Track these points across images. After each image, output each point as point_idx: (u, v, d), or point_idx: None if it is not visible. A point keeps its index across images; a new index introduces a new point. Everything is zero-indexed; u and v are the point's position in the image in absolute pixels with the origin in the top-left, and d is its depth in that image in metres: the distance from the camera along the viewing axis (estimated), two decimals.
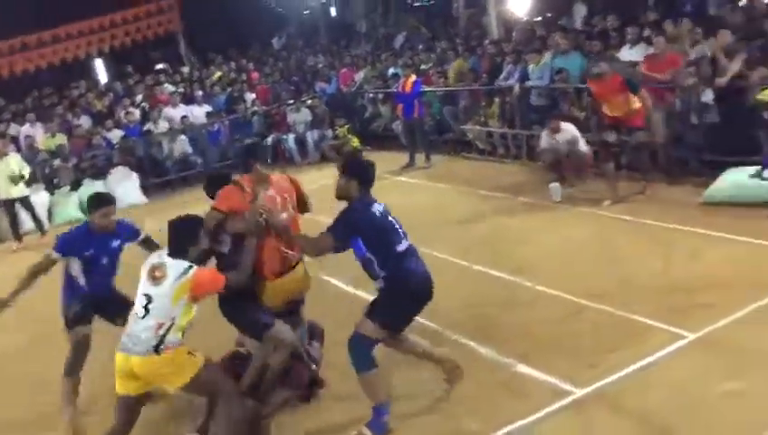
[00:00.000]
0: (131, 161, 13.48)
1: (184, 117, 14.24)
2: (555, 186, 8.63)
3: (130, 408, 4.18)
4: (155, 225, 10.92)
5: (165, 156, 13.86)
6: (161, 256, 4.16)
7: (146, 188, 13.31)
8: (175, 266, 4.06)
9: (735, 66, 8.26)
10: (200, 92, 15.81)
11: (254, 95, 15.65)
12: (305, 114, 14.56)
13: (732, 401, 4.13)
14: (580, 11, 13.04)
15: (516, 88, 11.11)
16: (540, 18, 14.25)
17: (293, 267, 4.70)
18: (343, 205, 4.37)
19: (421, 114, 11.90)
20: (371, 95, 14.97)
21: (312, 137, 14.19)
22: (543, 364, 4.80)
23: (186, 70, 18.83)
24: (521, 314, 5.73)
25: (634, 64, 9.56)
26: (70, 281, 5.02)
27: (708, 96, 8.61)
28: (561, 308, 5.70)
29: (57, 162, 12.98)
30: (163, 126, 14.27)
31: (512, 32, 13.68)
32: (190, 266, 4.06)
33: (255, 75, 17.22)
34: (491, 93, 11.87)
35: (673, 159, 8.91)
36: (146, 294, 4.05)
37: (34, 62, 17.94)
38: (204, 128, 14.34)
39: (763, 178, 7.16)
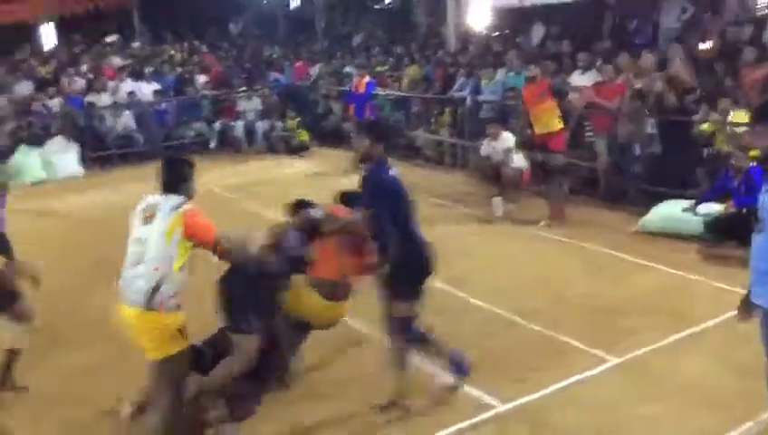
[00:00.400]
0: (71, 132, 13.07)
1: (130, 93, 13.89)
2: (497, 200, 8.73)
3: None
4: (91, 199, 10.72)
5: (107, 130, 13.49)
6: (151, 198, 4.03)
7: (84, 161, 12.92)
8: (166, 201, 3.93)
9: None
10: (150, 69, 15.46)
11: (204, 78, 15.40)
12: (256, 103, 14.41)
13: (646, 425, 4.27)
14: (539, 32, 13.27)
15: (468, 100, 11.24)
16: (497, 34, 14.44)
17: (346, 297, 4.60)
18: None
19: (372, 116, 11.91)
20: (325, 92, 14.91)
21: (261, 127, 14.04)
22: (470, 377, 4.83)
23: (137, 45, 18.37)
24: (451, 324, 5.76)
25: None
26: None
27: (652, 127, 8.87)
28: (491, 322, 5.79)
29: None
30: (107, 99, 13.90)
31: (468, 44, 13.83)
32: (183, 202, 3.93)
33: (210, 58, 16.95)
34: (443, 103, 11.98)
35: (612, 186, 9.15)
36: (139, 238, 3.92)
37: None
38: (150, 106, 14.02)
39: (696, 214, 7.40)
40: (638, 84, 9.21)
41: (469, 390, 4.73)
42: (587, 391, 4.68)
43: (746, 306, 3.49)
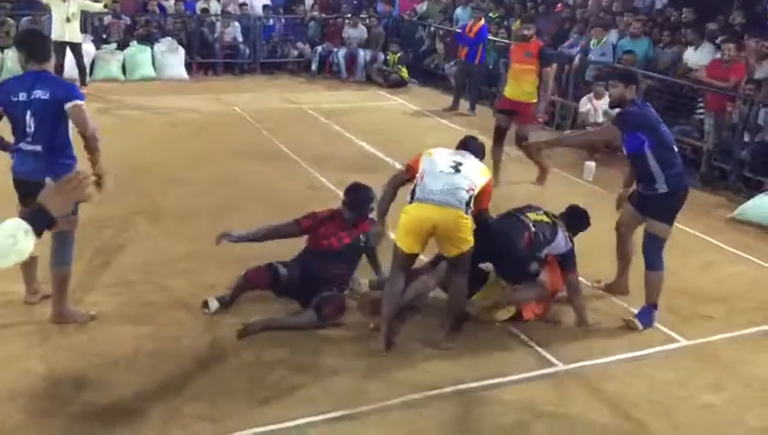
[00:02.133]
0: (180, 35, 13.40)
1: (242, 4, 14.08)
2: (590, 165, 8.50)
3: (408, 263, 4.67)
4: (191, 103, 11.04)
5: (214, 38, 13.76)
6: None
7: (189, 66, 13.27)
8: (472, 163, 4.72)
9: None
10: None
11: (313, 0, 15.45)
12: (361, 32, 14.38)
13: (702, 413, 4.20)
14: None
15: (577, 59, 10.90)
16: None
17: None
18: None
19: (482, 61, 11.70)
20: (432, 29, 14.72)
21: (363, 56, 14.04)
22: (536, 335, 4.87)
23: None
24: None
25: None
26: (70, 146, 4.37)
27: (764, 117, 8.43)
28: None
29: (109, 18, 12.93)
30: (217, 7, 14.14)
31: None
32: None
33: None
34: None
35: (715, 169, 8.80)
36: (456, 161, 4.64)
37: None
38: (259, 20, 14.18)
39: None
40: (759, 69, 8.73)
41: (533, 345, 4.76)
42: (650, 368, 4.62)
43: None
